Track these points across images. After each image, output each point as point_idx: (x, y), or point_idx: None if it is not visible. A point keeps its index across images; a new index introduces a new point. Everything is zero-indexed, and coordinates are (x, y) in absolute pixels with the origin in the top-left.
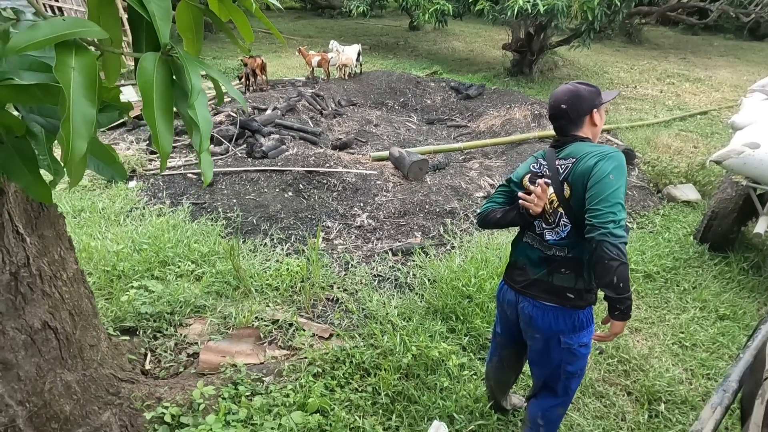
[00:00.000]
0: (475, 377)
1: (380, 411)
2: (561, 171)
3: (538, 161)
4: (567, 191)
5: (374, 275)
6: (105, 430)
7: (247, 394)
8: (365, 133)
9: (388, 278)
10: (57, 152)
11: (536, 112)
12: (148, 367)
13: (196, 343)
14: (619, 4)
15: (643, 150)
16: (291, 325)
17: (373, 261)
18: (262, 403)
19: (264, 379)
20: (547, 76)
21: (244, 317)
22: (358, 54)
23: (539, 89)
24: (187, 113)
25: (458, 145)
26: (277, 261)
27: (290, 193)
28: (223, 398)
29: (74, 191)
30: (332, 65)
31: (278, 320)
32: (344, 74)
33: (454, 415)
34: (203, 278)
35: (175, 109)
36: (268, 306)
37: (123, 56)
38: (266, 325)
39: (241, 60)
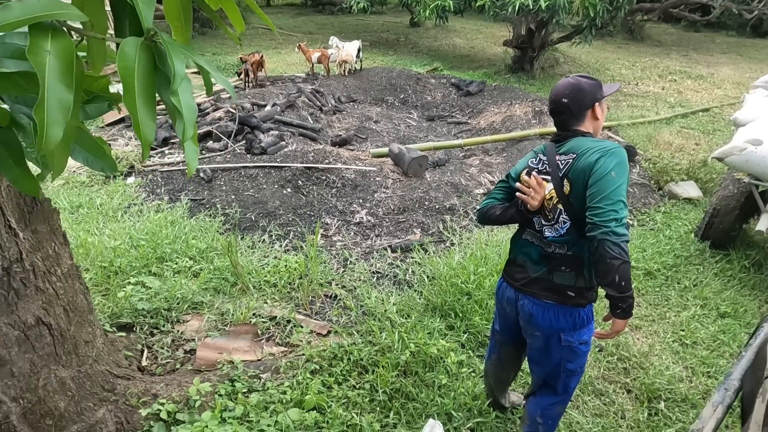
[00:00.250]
0: (473, 374)
1: (378, 408)
2: (561, 167)
3: (537, 156)
4: (567, 187)
5: (373, 272)
6: (100, 427)
7: (244, 390)
8: (365, 129)
9: (387, 275)
10: None
11: (537, 108)
12: (144, 363)
13: (193, 340)
14: (620, 0)
15: (644, 147)
16: (289, 321)
17: (372, 258)
18: (259, 400)
19: (261, 375)
20: (548, 72)
21: (241, 314)
22: (359, 50)
23: (540, 86)
24: (170, 100)
25: (458, 142)
26: (275, 257)
27: (289, 190)
28: (220, 395)
29: (72, 187)
30: (332, 61)
31: (276, 317)
32: (344, 71)
33: (452, 412)
34: (201, 275)
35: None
36: (266, 303)
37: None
38: (264, 322)
39: (240, 57)
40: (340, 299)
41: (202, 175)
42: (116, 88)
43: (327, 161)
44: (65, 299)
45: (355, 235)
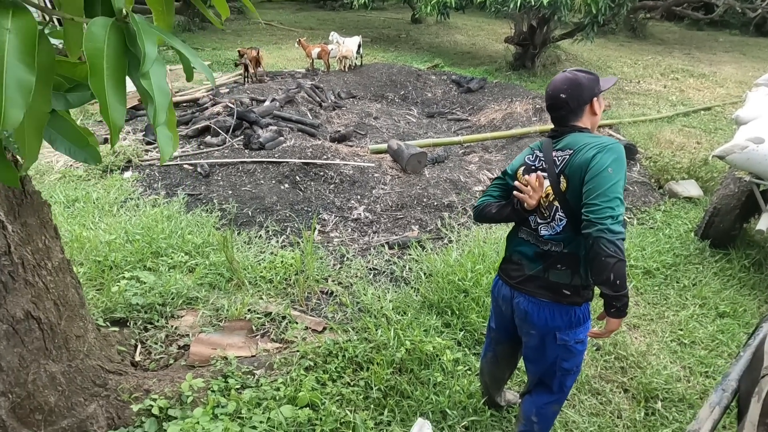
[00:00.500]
0: (469, 372)
1: (372, 406)
2: (558, 163)
3: (534, 153)
4: (563, 184)
5: (370, 269)
6: (91, 422)
7: (237, 387)
8: (364, 125)
9: (384, 272)
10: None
11: (538, 106)
12: (138, 358)
13: (188, 335)
14: None
15: (645, 145)
16: (284, 318)
17: (369, 254)
18: (252, 397)
19: (255, 372)
20: (549, 70)
21: (236, 309)
22: (359, 46)
23: (541, 83)
24: (141, 83)
25: (458, 139)
26: (271, 253)
27: (287, 185)
28: (213, 391)
29: (69, 181)
30: (332, 57)
31: (271, 313)
32: (344, 66)
33: (447, 410)
34: (196, 270)
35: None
36: (262, 298)
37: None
38: (259, 318)
39: (238, 51)
40: (336, 296)
41: (199, 170)
42: None
43: (325, 157)
44: (56, 293)
45: (353, 231)
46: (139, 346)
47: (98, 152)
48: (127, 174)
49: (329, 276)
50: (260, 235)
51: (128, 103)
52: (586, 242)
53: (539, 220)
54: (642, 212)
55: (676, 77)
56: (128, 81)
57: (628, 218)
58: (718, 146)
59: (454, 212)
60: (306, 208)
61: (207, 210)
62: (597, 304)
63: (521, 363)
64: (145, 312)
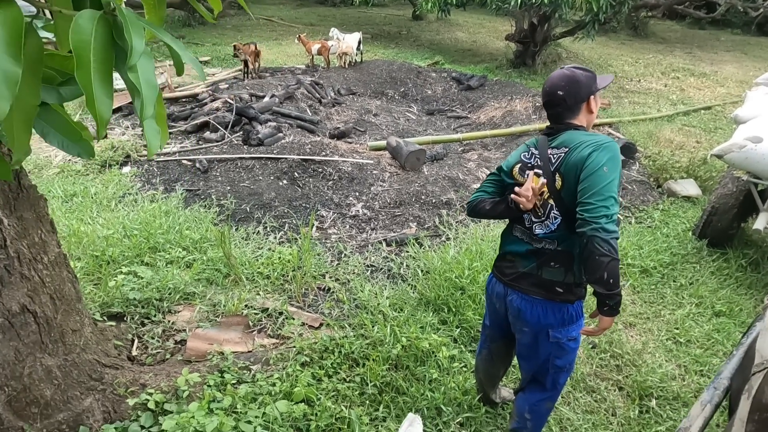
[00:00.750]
0: (465, 369)
1: (367, 402)
2: (553, 161)
3: (529, 150)
4: (559, 182)
5: (367, 265)
6: (87, 416)
7: (233, 382)
8: (364, 122)
9: (381, 269)
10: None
11: (537, 104)
12: (134, 353)
13: (184, 330)
14: None
15: (644, 144)
16: (281, 313)
17: (367, 251)
18: (247, 392)
19: (251, 367)
20: (550, 68)
21: (233, 305)
22: (359, 42)
23: (542, 81)
24: (128, 77)
25: (457, 136)
26: (269, 249)
27: (285, 182)
28: (209, 386)
29: (67, 175)
30: (332, 53)
31: (268, 309)
32: (344, 63)
33: (442, 407)
34: (194, 265)
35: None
36: (259, 294)
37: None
38: (256, 314)
39: (234, 46)
40: (333, 292)
41: (198, 165)
42: None
43: (324, 153)
44: (52, 287)
45: (351, 228)
46: (136, 341)
47: (91, 146)
48: (126, 169)
49: (326, 272)
50: (258, 231)
51: (125, 99)
52: (580, 241)
53: (533, 219)
54: (640, 211)
55: (677, 76)
56: None
57: (626, 217)
58: (718, 145)
59: (452, 210)
60: (304, 205)
61: (205, 206)
62: (592, 302)
63: (516, 360)
64: (143, 307)
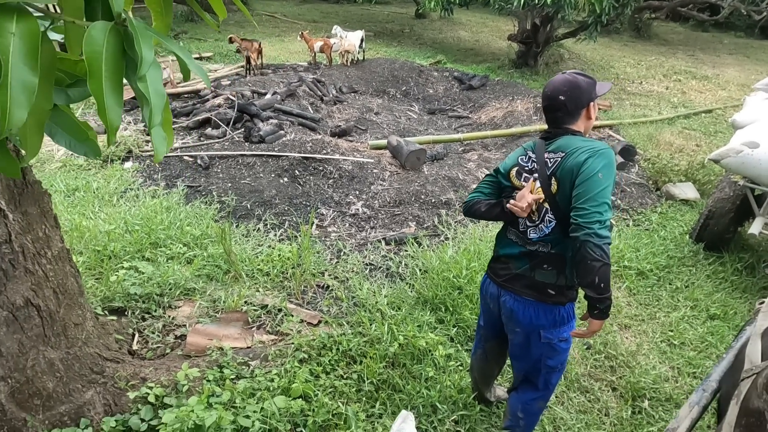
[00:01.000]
0: (461, 368)
1: (364, 398)
2: (549, 165)
3: (526, 153)
4: (554, 186)
5: (366, 264)
6: (88, 408)
7: (232, 377)
8: (365, 120)
9: (380, 267)
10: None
11: (539, 105)
12: (135, 347)
13: (184, 326)
14: None
15: (644, 147)
16: (280, 310)
17: (366, 249)
18: (246, 387)
19: (250, 363)
20: (552, 69)
21: (233, 301)
22: (361, 40)
23: (543, 82)
24: (138, 86)
25: (458, 136)
26: (269, 246)
27: (286, 179)
28: (208, 381)
29: (69, 170)
30: (335, 51)
31: (267, 305)
32: (347, 61)
33: (437, 404)
34: (194, 261)
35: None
36: (258, 291)
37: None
38: (255, 310)
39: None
40: (332, 290)
41: (199, 162)
42: None
43: (325, 152)
44: (55, 281)
45: (350, 226)
46: (137, 335)
47: (98, 146)
48: (128, 164)
49: (326, 270)
50: (258, 228)
51: (129, 95)
52: (573, 245)
53: (528, 223)
54: (638, 214)
55: (679, 79)
56: None
57: (624, 219)
58: (716, 149)
59: (451, 209)
60: (304, 203)
61: (206, 202)
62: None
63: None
64: (143, 302)
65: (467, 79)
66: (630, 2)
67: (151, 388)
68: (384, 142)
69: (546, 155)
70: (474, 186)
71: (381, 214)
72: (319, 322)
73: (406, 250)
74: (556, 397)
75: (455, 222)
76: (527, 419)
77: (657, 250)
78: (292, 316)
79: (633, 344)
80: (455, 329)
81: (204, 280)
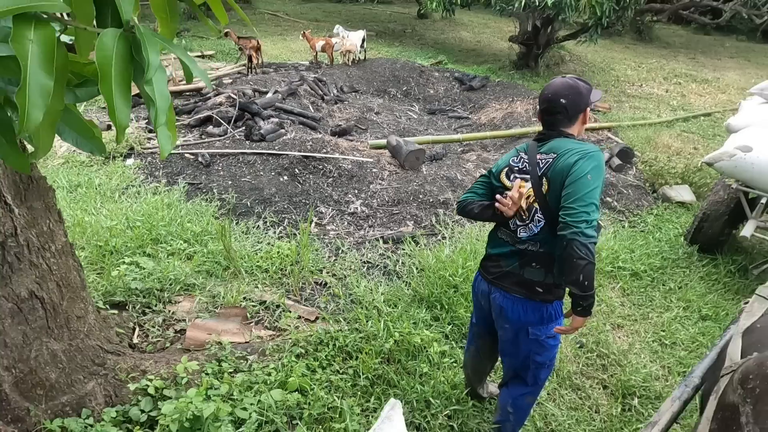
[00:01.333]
0: (455, 365)
1: (359, 393)
2: (541, 165)
3: (519, 155)
4: (545, 186)
5: (364, 262)
6: (89, 399)
7: (230, 370)
8: (366, 120)
9: (377, 265)
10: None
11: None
12: (135, 341)
13: (184, 320)
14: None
15: (642, 149)
16: (278, 306)
17: (364, 248)
18: (244, 380)
19: (248, 357)
20: (552, 70)
21: (232, 297)
22: (363, 40)
23: (543, 84)
24: (144, 89)
25: (457, 137)
26: (268, 244)
27: (285, 177)
28: (206, 374)
29: (72, 166)
30: (336, 50)
31: (266, 302)
32: (348, 60)
33: (431, 399)
34: (194, 257)
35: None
36: (257, 287)
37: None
38: (254, 306)
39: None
40: (329, 287)
41: (200, 159)
42: None
43: (325, 151)
44: (58, 275)
45: (349, 224)
46: (137, 329)
47: (103, 144)
48: (130, 161)
49: (324, 268)
50: (258, 226)
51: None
52: (560, 243)
53: (518, 222)
54: (634, 215)
55: (679, 82)
56: None
57: (620, 221)
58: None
59: (449, 209)
60: (304, 201)
61: (207, 199)
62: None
63: None
64: (144, 296)
65: (468, 79)
66: (631, 5)
67: (151, 380)
68: (384, 141)
69: (538, 156)
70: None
71: (379, 213)
72: (317, 318)
73: (404, 249)
74: (547, 394)
75: (452, 221)
76: (517, 414)
77: (652, 252)
78: (290, 312)
79: (625, 343)
80: (450, 327)
81: (204, 276)
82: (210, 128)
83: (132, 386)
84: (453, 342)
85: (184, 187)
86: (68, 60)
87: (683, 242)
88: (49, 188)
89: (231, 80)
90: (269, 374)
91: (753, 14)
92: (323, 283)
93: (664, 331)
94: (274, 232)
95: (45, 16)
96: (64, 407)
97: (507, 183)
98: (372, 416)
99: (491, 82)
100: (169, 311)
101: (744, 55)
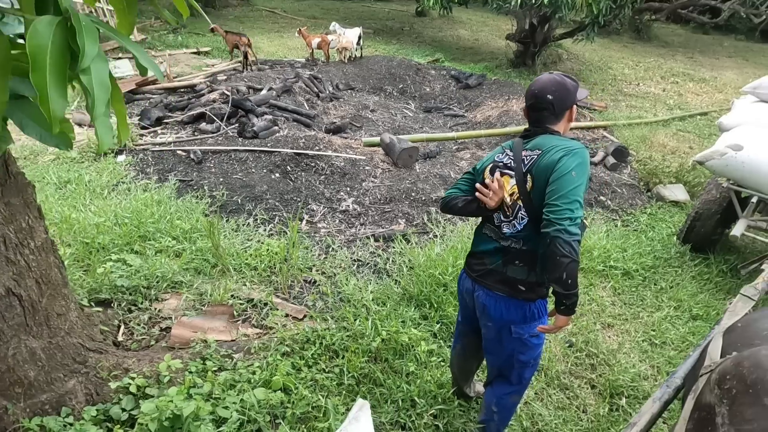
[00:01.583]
0: (442, 364)
1: (344, 392)
2: (526, 162)
3: (504, 151)
4: (530, 183)
5: (354, 260)
6: (69, 397)
7: (215, 369)
8: (361, 118)
9: (368, 263)
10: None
11: None
12: (120, 338)
13: (170, 318)
14: None
15: (637, 148)
16: (266, 304)
17: (355, 246)
18: (227, 379)
19: (233, 355)
20: (549, 68)
21: (219, 295)
22: (359, 37)
23: None
24: (81, 79)
25: (452, 135)
26: (258, 241)
27: (277, 175)
28: (190, 372)
29: (62, 162)
30: (332, 48)
31: (253, 299)
32: (344, 57)
33: (416, 399)
34: (183, 255)
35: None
36: (245, 285)
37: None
38: (241, 304)
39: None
40: (318, 285)
41: (192, 156)
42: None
43: (317, 148)
44: (38, 272)
45: (340, 222)
46: (122, 327)
47: (69, 138)
48: (121, 158)
49: (313, 265)
50: (248, 223)
51: (125, 88)
52: (543, 241)
53: (502, 218)
54: (628, 214)
55: (676, 81)
56: (129, 66)
57: (613, 219)
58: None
59: None
60: (295, 198)
61: (197, 196)
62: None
63: None
64: (130, 294)
65: (464, 77)
66: (628, 3)
67: (133, 378)
68: (377, 139)
69: (523, 153)
70: None
71: (371, 210)
72: (305, 316)
73: (395, 247)
74: (535, 393)
75: (444, 220)
76: (501, 413)
77: (644, 251)
78: (278, 310)
79: (615, 343)
80: (438, 325)
81: (191, 274)
82: (203, 125)
83: (114, 384)
84: (441, 341)
85: (175, 184)
86: (11, 51)
87: (676, 241)
88: (28, 184)
89: (226, 77)
90: (254, 373)
91: (751, 14)
92: (312, 281)
93: (654, 330)
94: (265, 230)
95: None
96: (44, 405)
97: (488, 182)
98: None
99: (488, 80)
100: (155, 309)
101: (742, 54)
